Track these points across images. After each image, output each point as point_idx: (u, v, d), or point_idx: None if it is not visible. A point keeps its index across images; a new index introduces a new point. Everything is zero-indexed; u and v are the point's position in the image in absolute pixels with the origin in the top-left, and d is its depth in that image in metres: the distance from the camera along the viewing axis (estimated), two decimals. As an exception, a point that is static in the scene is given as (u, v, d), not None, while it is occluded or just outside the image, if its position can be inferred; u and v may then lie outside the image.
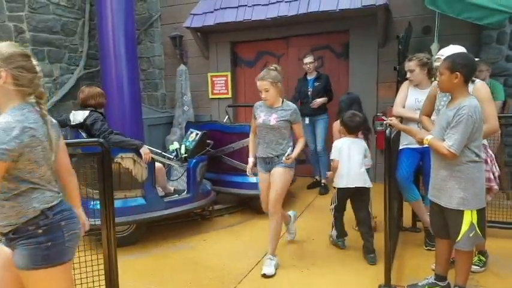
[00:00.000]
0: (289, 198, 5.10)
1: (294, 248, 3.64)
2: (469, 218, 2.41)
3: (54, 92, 5.81)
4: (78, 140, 3.36)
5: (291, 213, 3.77)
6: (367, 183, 3.36)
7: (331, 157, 3.46)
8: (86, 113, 3.58)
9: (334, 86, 5.51)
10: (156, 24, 6.86)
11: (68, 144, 3.08)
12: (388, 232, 2.79)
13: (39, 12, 5.57)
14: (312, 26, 5.84)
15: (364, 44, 5.62)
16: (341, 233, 3.56)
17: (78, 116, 3.61)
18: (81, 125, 3.58)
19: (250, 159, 3.37)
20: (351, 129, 3.42)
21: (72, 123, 3.65)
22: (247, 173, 3.38)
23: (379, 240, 3.07)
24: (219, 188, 4.56)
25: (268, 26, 5.93)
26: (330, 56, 6.05)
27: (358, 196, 3.39)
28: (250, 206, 4.66)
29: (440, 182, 2.50)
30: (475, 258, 2.94)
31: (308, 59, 5.32)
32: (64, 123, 3.73)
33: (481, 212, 2.45)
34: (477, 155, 2.39)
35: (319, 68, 5.86)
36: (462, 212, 2.42)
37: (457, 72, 2.34)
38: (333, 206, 3.49)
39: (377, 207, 3.54)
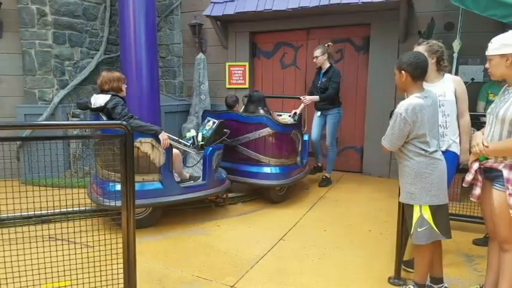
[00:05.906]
0: (302, 191, 5.13)
1: (306, 237, 3.67)
2: (417, 213, 2.41)
3: (74, 75, 5.92)
4: (102, 121, 3.44)
5: None
6: None
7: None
8: (107, 97, 3.64)
9: (352, 80, 5.45)
10: (176, 11, 6.90)
11: (91, 126, 3.20)
12: (401, 226, 2.82)
13: (62, -5, 5.65)
14: (333, 18, 5.80)
15: (385, 39, 5.57)
16: None
17: (99, 99, 3.67)
18: (102, 109, 3.65)
19: None
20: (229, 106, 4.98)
21: (93, 107, 3.72)
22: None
23: (391, 232, 3.07)
24: (233, 177, 4.60)
25: (289, 16, 5.91)
26: (349, 49, 6.00)
27: None
28: (263, 195, 4.71)
29: (399, 178, 2.54)
30: None
31: (316, 52, 5.17)
32: (85, 106, 3.81)
33: (436, 209, 2.38)
34: (424, 150, 2.35)
35: (338, 62, 5.82)
36: (412, 206, 2.43)
37: (403, 72, 2.36)
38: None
39: (391, 201, 3.55)
